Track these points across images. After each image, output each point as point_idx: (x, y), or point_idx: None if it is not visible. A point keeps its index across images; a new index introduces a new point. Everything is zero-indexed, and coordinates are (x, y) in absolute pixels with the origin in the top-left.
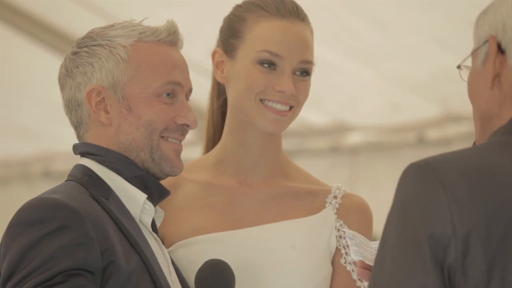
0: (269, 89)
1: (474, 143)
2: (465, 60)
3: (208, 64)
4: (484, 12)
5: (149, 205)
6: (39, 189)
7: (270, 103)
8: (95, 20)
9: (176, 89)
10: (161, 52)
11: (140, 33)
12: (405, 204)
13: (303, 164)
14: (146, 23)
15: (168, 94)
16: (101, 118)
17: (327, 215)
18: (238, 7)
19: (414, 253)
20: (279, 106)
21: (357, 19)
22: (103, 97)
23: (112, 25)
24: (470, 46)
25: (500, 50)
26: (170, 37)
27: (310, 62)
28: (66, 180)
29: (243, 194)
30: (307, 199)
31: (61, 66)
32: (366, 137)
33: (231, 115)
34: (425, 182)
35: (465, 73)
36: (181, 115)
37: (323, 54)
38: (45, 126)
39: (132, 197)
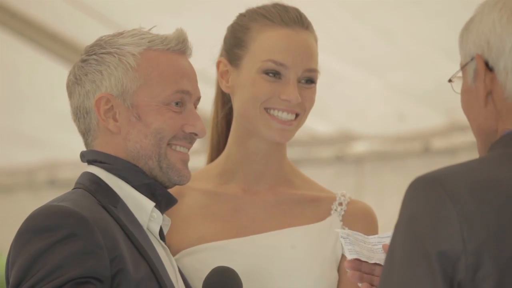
0: (275, 98)
1: None
2: (454, 75)
3: (212, 72)
4: (467, 29)
5: (157, 213)
6: (44, 197)
7: (275, 112)
8: (99, 28)
9: (185, 98)
10: (171, 60)
11: (149, 41)
12: (414, 219)
13: (309, 173)
14: (154, 31)
15: (176, 103)
16: (110, 126)
17: (333, 222)
18: (241, 16)
19: (423, 269)
20: (285, 115)
21: (363, 29)
22: (112, 105)
23: (121, 33)
24: None
25: (488, 67)
26: (179, 46)
27: (315, 71)
28: (74, 188)
29: (248, 202)
30: (312, 206)
31: (70, 73)
32: (371, 146)
33: (236, 125)
34: (434, 197)
35: (458, 85)
36: (189, 124)
37: (329, 63)
38: (50, 134)
39: (140, 205)
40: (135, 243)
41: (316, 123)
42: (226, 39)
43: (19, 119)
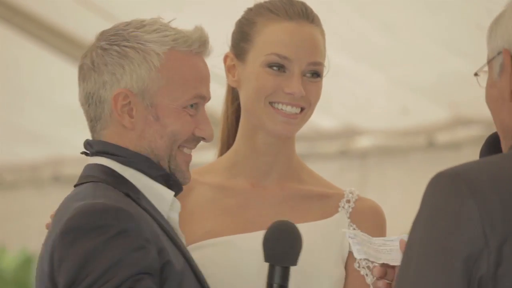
0: (279, 92)
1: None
2: (481, 69)
3: (219, 68)
4: (496, 23)
5: (176, 202)
6: (48, 193)
7: (280, 106)
8: (101, 23)
9: (200, 102)
10: (192, 64)
11: (173, 41)
12: (435, 215)
13: (313, 167)
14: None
15: (191, 105)
16: (125, 121)
17: (340, 219)
18: (249, 11)
19: (442, 264)
20: (289, 109)
21: (366, 23)
22: (129, 101)
23: (143, 25)
24: (478, 49)
25: None
26: (201, 48)
27: (319, 64)
28: (87, 181)
29: (256, 197)
30: (319, 202)
31: (86, 57)
32: (375, 141)
33: (243, 119)
34: (455, 193)
35: (483, 79)
36: (200, 128)
37: (332, 58)
38: (55, 131)
39: (160, 195)
40: (168, 234)
41: (319, 117)
42: (233, 34)
43: (22, 115)
